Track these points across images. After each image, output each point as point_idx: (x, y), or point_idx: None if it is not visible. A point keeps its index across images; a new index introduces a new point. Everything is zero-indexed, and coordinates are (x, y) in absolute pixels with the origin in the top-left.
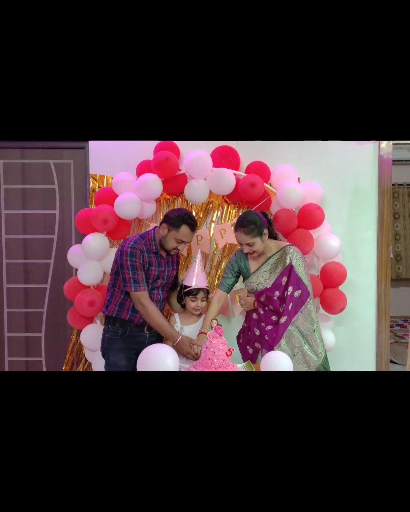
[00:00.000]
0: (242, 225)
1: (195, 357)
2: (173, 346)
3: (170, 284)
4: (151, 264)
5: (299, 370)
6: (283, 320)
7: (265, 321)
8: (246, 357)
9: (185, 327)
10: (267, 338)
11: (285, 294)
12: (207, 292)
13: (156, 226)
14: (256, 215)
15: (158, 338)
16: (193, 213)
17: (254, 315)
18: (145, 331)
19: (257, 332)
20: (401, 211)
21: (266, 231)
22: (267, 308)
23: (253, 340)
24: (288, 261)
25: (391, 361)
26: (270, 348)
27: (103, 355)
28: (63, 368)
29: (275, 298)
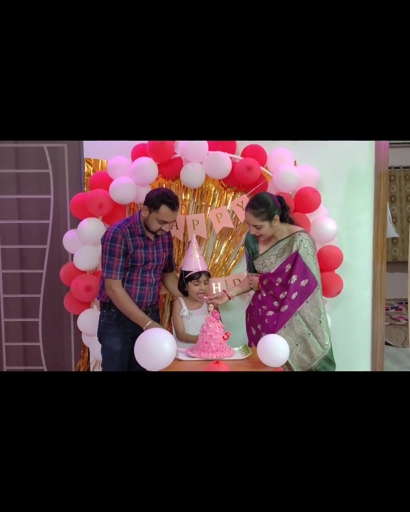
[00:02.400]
0: (253, 206)
1: None
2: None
3: (163, 267)
4: (137, 246)
5: (301, 359)
6: (284, 308)
7: (266, 304)
8: (250, 337)
9: (194, 312)
10: (267, 322)
11: (288, 282)
12: (208, 274)
13: (141, 209)
14: (271, 197)
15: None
16: (188, 196)
17: (259, 296)
18: None
19: (260, 313)
20: (397, 194)
21: (277, 216)
22: (268, 293)
23: (257, 321)
24: (295, 248)
25: (386, 343)
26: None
27: (100, 340)
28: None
29: (277, 284)
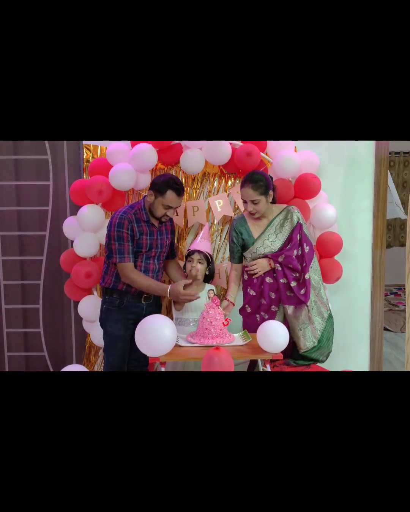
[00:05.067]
0: (252, 180)
1: (190, 297)
2: (170, 298)
3: (166, 253)
4: (142, 233)
5: (317, 322)
6: (307, 276)
7: (287, 278)
8: (256, 324)
9: None
10: (290, 294)
11: (298, 252)
12: (205, 256)
13: (145, 195)
14: (264, 174)
15: (155, 308)
16: (188, 182)
17: (268, 279)
18: (142, 301)
19: (273, 296)
20: (396, 180)
21: (271, 192)
22: (287, 267)
23: (268, 305)
24: (295, 220)
25: (385, 329)
26: (301, 303)
27: (102, 326)
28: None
29: (294, 256)
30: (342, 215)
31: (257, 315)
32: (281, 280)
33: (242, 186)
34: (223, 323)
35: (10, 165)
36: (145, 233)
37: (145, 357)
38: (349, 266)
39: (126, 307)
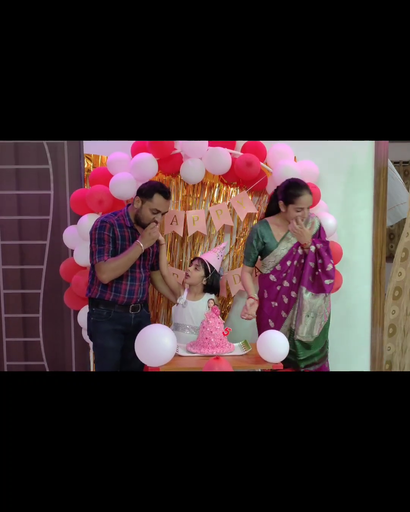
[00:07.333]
0: (307, 187)
1: (153, 229)
2: (143, 244)
3: (151, 262)
4: (124, 238)
5: (318, 325)
6: (329, 282)
7: (323, 259)
8: (271, 312)
9: (190, 302)
10: (312, 280)
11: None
12: (204, 265)
13: (129, 204)
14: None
15: (143, 318)
16: (189, 192)
17: (285, 283)
18: (130, 311)
19: (285, 300)
20: None
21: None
22: (318, 262)
23: (280, 309)
24: (317, 224)
25: None
26: (321, 291)
27: (91, 338)
28: None
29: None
30: (342, 224)
31: (273, 302)
32: (310, 263)
33: (299, 195)
34: (223, 333)
35: (11, 175)
36: (127, 239)
37: (141, 368)
38: (349, 275)
39: (114, 319)
